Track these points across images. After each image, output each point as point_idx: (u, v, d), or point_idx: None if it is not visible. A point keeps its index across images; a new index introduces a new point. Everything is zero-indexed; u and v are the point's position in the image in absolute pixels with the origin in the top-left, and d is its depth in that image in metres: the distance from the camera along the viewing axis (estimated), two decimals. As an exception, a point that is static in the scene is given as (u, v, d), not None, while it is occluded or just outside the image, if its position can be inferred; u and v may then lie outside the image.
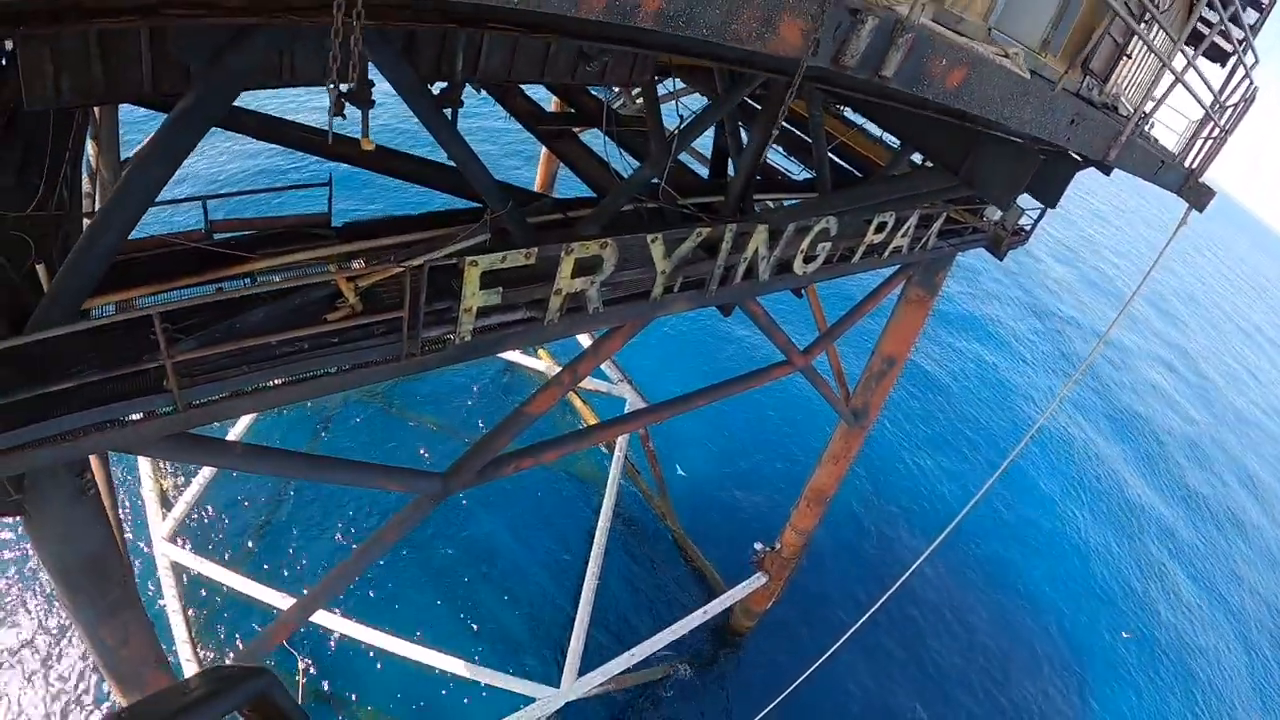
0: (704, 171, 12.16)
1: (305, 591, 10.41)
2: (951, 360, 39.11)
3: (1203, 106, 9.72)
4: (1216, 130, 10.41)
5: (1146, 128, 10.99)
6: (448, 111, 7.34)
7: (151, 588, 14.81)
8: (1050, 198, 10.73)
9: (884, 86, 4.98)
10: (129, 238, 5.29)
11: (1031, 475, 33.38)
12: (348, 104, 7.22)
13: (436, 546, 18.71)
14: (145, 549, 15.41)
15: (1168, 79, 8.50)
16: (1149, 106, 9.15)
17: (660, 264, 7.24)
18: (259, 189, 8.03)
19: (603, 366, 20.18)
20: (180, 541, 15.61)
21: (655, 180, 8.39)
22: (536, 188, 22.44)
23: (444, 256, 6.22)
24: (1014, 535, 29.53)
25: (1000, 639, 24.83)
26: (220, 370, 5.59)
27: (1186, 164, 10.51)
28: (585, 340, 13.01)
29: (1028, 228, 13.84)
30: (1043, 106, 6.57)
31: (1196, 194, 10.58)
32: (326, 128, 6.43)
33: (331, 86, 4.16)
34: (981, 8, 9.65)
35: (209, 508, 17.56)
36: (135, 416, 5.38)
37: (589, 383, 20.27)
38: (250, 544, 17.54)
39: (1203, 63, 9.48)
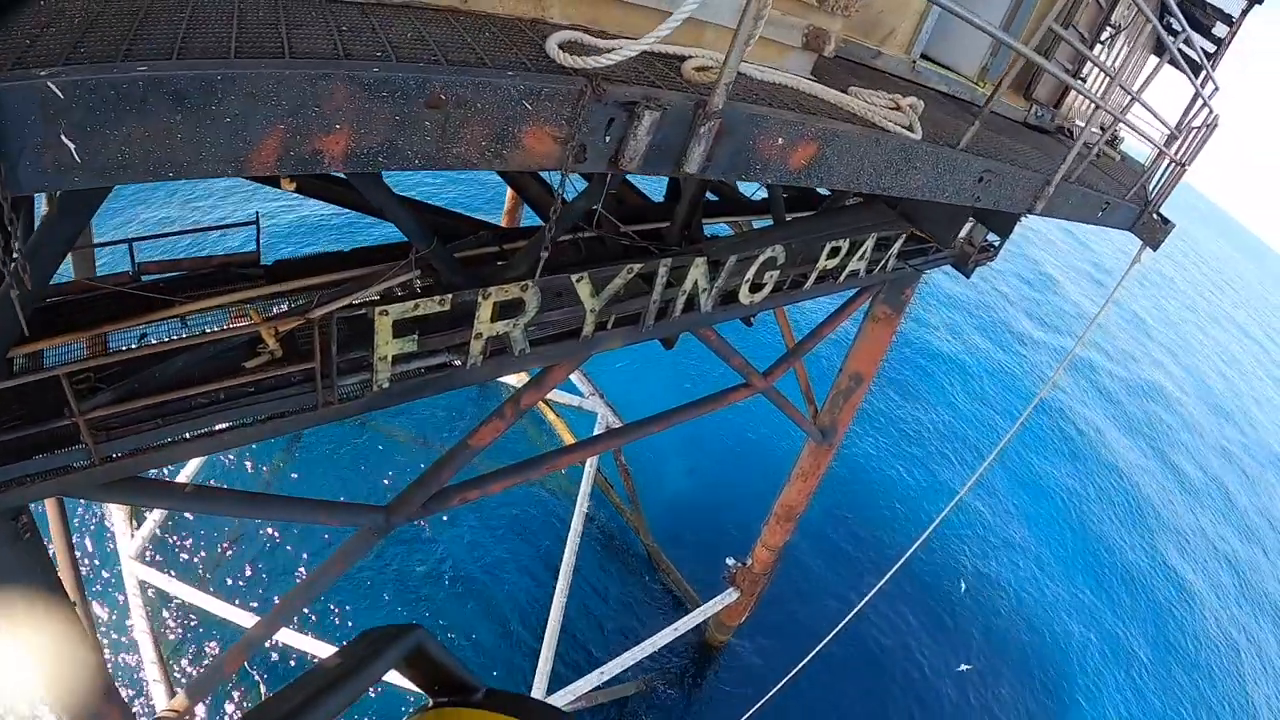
0: (662, 191, 12.00)
1: (266, 612, 10.35)
2: (922, 370, 39.06)
3: (1155, 146, 9.55)
4: (1172, 164, 10.21)
5: (1108, 146, 10.81)
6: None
7: (120, 610, 14.81)
8: (1002, 229, 10.58)
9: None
10: (53, 282, 5.22)
11: (1004, 487, 33.45)
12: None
13: (400, 562, 18.57)
14: (113, 567, 15.35)
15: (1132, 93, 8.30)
16: (1101, 126, 8.99)
17: (589, 303, 7.09)
18: (187, 229, 7.94)
19: (573, 379, 20.09)
20: (149, 560, 15.53)
21: (595, 207, 8.27)
22: (504, 213, 22.24)
23: (351, 305, 6.09)
24: (986, 545, 29.55)
25: (973, 645, 24.90)
26: (137, 424, 5.51)
27: (1140, 196, 10.31)
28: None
29: (996, 244, 13.70)
30: (938, 170, 6.11)
31: (1150, 230, 10.36)
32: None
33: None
34: (904, 39, 9.52)
35: (179, 526, 17.43)
36: (58, 467, 5.29)
37: (559, 395, 20.17)
38: (220, 560, 17.39)
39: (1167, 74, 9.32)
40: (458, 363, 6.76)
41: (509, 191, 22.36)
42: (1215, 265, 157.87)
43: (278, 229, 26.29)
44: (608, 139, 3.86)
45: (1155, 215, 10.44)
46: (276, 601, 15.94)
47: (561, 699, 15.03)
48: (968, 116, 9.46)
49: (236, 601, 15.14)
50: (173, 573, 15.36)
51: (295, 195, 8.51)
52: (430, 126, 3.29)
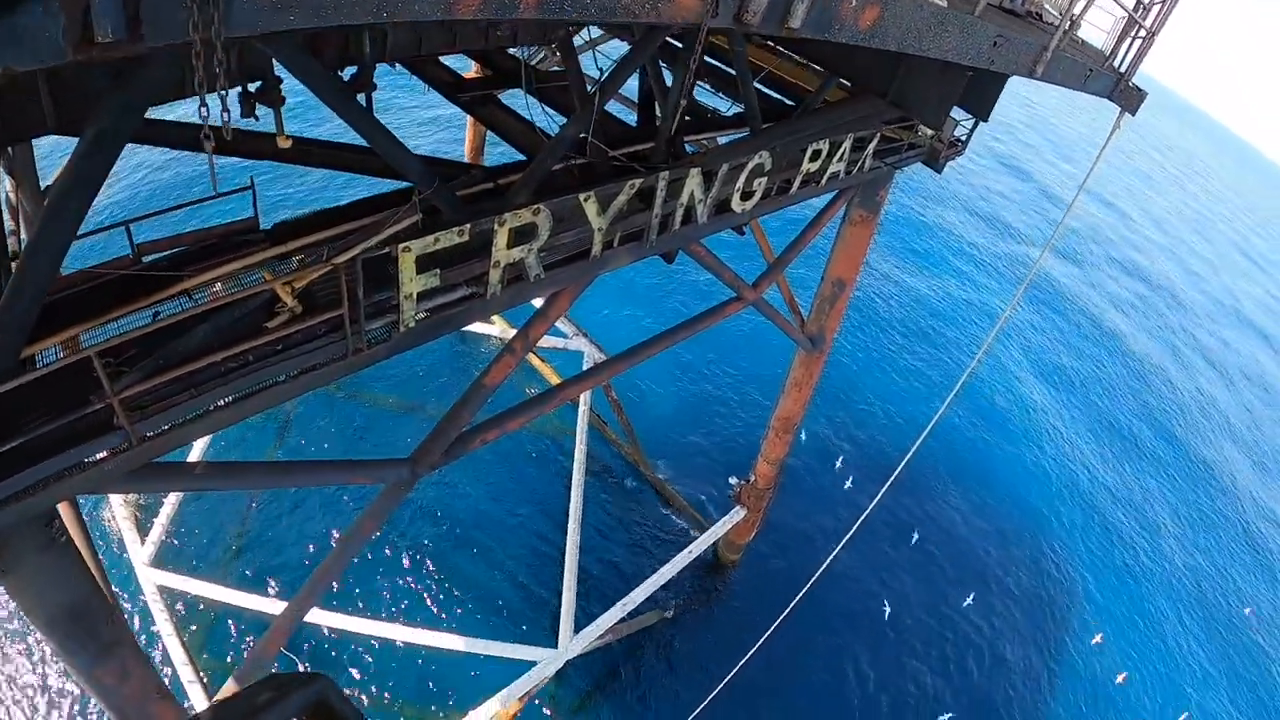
0: (634, 118, 12.00)
1: (294, 594, 10.41)
2: (903, 275, 39.41)
3: (1125, 10, 9.65)
4: (1143, 31, 10.33)
5: (1076, 32, 10.95)
6: (361, 97, 7.20)
7: (142, 615, 14.79)
8: (982, 110, 10.70)
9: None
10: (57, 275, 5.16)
11: (996, 378, 34.10)
12: (258, 104, 7.10)
13: (414, 526, 18.71)
14: (130, 578, 15.22)
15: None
16: (1079, 7, 9.08)
17: (596, 222, 7.17)
18: (181, 204, 7.81)
19: (557, 324, 20.09)
20: (163, 564, 15.43)
21: (583, 135, 8.28)
22: (466, 157, 22.07)
23: (375, 246, 6.10)
24: (984, 438, 30.20)
25: (978, 537, 25.59)
26: (169, 398, 5.51)
27: (1115, 68, 10.45)
28: (536, 301, 12.99)
29: (964, 138, 13.82)
30: (964, 33, 6.54)
31: (1128, 97, 10.56)
32: (240, 127, 6.31)
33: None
34: None
35: (185, 525, 17.32)
36: (94, 458, 5.30)
37: (545, 340, 20.16)
38: (232, 553, 17.40)
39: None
40: (478, 294, 6.82)
41: (468, 138, 22.32)
42: (1181, 149, 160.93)
43: (270, 197, 25.86)
44: None
45: (1130, 84, 10.62)
46: (300, 582, 16.09)
47: (589, 635, 15.28)
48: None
49: (259, 590, 15.19)
50: (189, 572, 15.38)
51: (283, 164, 8.45)
52: None
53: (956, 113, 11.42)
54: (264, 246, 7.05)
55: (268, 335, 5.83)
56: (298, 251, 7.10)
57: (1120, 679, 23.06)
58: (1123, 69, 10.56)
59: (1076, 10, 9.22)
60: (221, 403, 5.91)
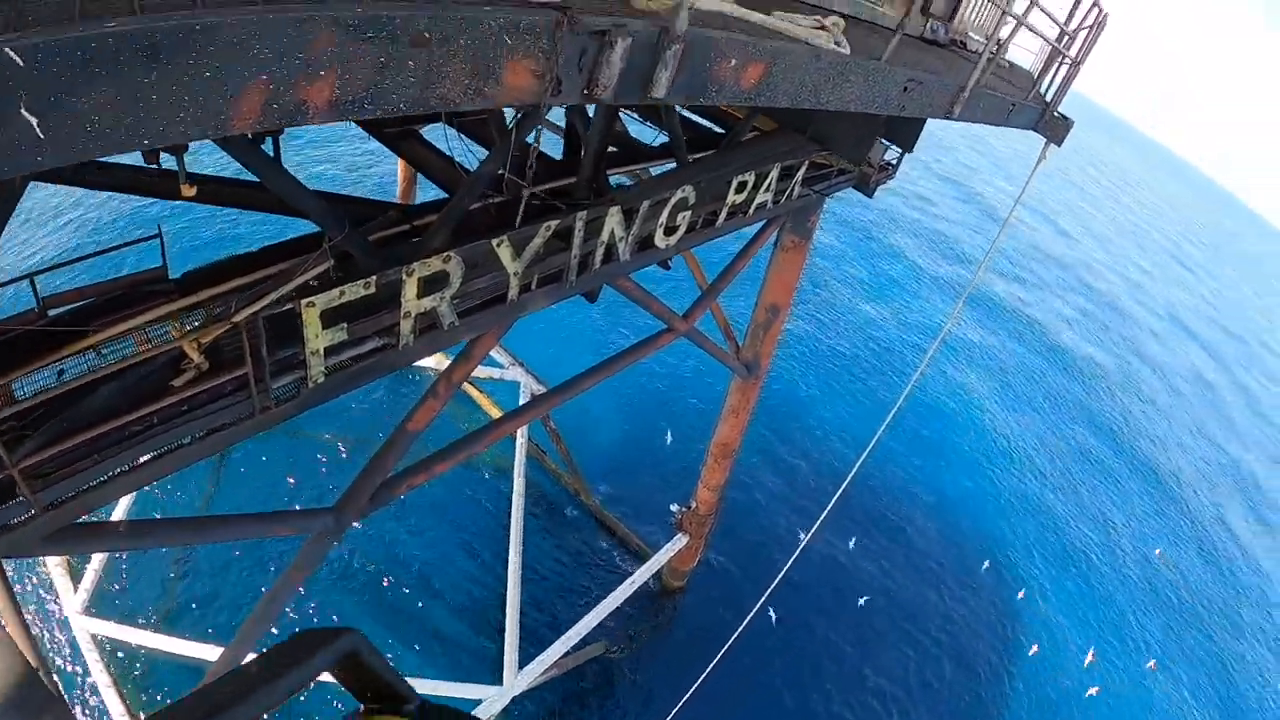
0: (560, 149, 11.88)
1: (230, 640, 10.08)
2: (841, 296, 39.75)
3: (1050, 43, 9.74)
4: (1068, 61, 10.45)
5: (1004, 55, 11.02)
6: (270, 142, 7.01)
7: (77, 665, 14.32)
8: (906, 142, 10.76)
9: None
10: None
11: (938, 392, 34.52)
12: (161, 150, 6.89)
13: (354, 566, 18.26)
14: (65, 625, 14.75)
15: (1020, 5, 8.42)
16: (1005, 30, 9.11)
17: (511, 266, 7.01)
18: (88, 254, 7.57)
19: (493, 354, 19.87)
20: (97, 612, 14.88)
21: (501, 171, 8.15)
22: (398, 193, 21.61)
23: (278, 301, 5.92)
24: (926, 452, 30.54)
25: (925, 552, 25.84)
26: (74, 463, 5.30)
27: (1041, 95, 10.54)
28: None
29: (894, 161, 13.90)
30: (869, 81, 6.35)
31: (1053, 128, 10.65)
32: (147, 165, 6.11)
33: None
34: None
35: (119, 570, 16.65)
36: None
37: (480, 370, 19.88)
38: (169, 598, 16.79)
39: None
40: (390, 345, 6.65)
41: (399, 171, 21.87)
42: (1113, 163, 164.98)
43: (182, 240, 25.21)
44: (581, 69, 3.91)
45: (1056, 113, 10.71)
46: (239, 627, 15.71)
47: (533, 671, 15.07)
48: (874, 36, 9.60)
49: (197, 636, 14.71)
50: (123, 620, 14.85)
51: (194, 203, 8.22)
52: (415, 67, 3.22)
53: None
54: (173, 298, 6.83)
55: (174, 395, 5.62)
56: (207, 303, 6.88)
57: (1089, 658, 23.63)
58: (1049, 97, 10.68)
59: (1003, 36, 9.30)
60: (127, 468, 5.70)
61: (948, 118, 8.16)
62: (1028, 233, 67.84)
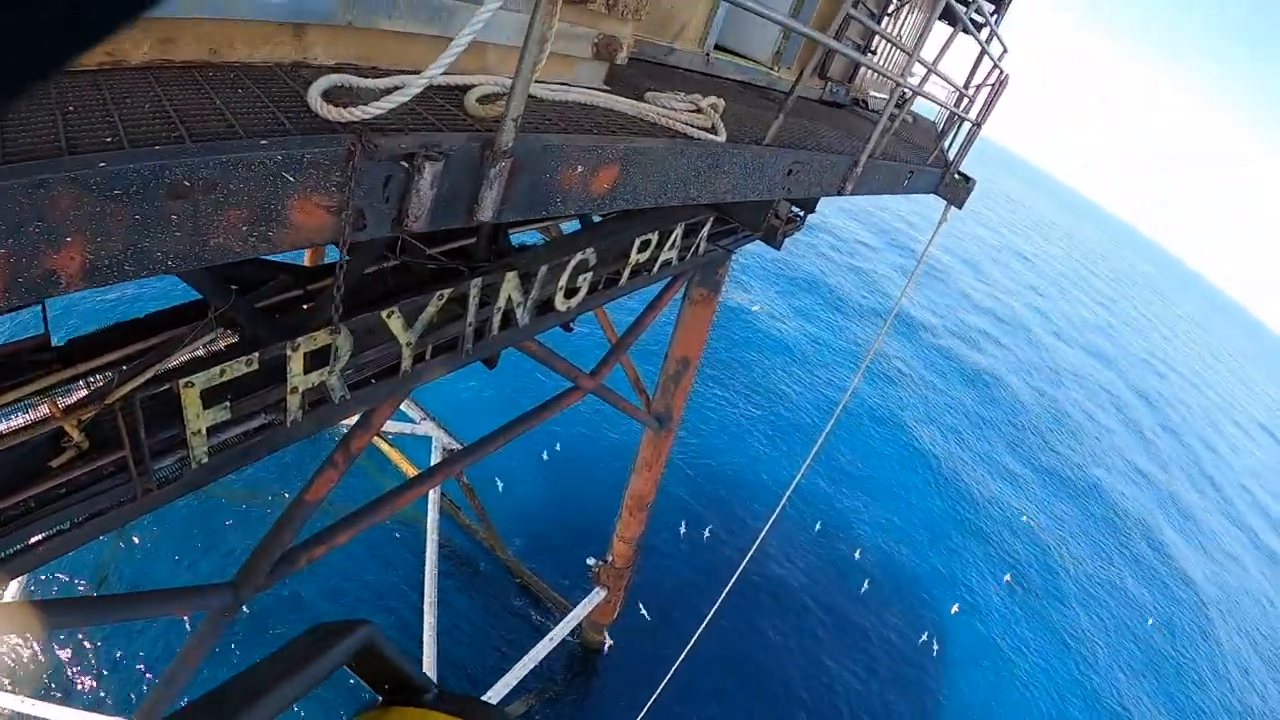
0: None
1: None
2: (752, 344, 40.15)
3: (950, 110, 9.94)
4: (967, 123, 10.68)
5: (897, 108, 11.22)
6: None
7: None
8: (807, 204, 10.88)
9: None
10: None
11: (854, 431, 35.02)
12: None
13: (263, 628, 17.70)
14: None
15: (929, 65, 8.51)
16: (915, 78, 9.23)
17: (403, 337, 6.85)
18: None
19: (403, 407, 19.52)
20: None
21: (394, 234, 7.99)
22: (306, 255, 21.13)
23: (153, 380, 5.70)
24: (846, 493, 31.02)
25: (849, 590, 26.14)
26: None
27: (944, 154, 10.72)
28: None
29: (800, 214, 14.05)
30: (747, 170, 6.04)
31: (954, 191, 10.81)
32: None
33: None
34: (696, 32, 9.65)
35: (13, 641, 15.97)
36: None
37: (391, 425, 19.48)
38: (69, 668, 15.93)
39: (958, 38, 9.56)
40: (278, 422, 6.45)
41: None
42: (1025, 204, 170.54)
43: (65, 303, 24.33)
44: (388, 199, 3.46)
45: (957, 175, 10.86)
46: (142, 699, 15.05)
47: (447, 734, 14.69)
48: (768, 104, 9.67)
49: (98, 709, 14.06)
50: (18, 690, 13.99)
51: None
52: (179, 220, 2.82)
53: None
54: (55, 369, 6.55)
55: (53, 477, 5.37)
56: (91, 373, 6.62)
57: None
58: (950, 155, 10.90)
59: (894, 112, 9.44)
60: (9, 553, 5.41)
61: (839, 194, 8.15)
62: (944, 271, 69.66)
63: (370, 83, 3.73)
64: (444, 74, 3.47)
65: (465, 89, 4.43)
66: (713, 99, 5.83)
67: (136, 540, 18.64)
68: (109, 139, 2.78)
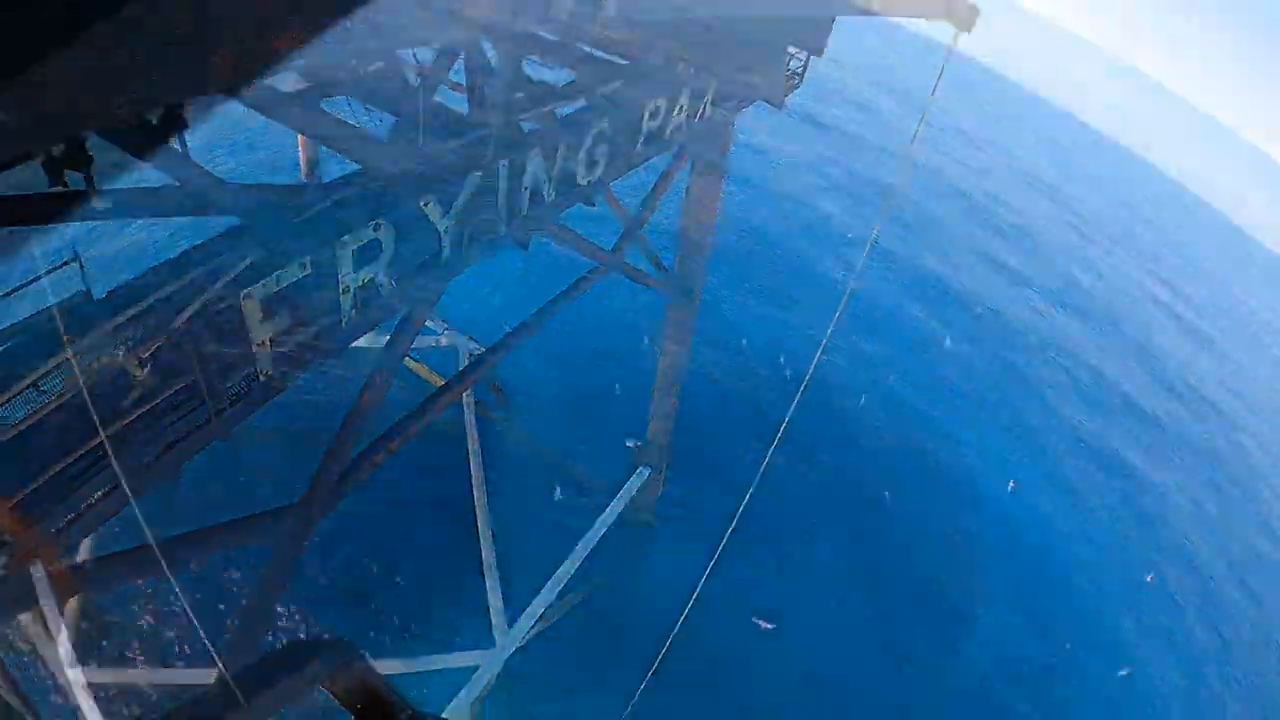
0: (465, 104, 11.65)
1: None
2: (771, 218, 39.84)
3: None
4: None
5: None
6: (178, 140, 6.79)
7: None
8: (816, 44, 10.73)
9: None
10: None
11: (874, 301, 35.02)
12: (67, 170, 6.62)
13: (328, 557, 18.12)
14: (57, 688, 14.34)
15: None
16: None
17: (441, 224, 6.94)
18: (5, 292, 7.28)
19: (427, 323, 19.49)
20: (85, 660, 14.44)
21: (413, 135, 7.98)
22: (302, 173, 20.74)
23: (214, 299, 5.76)
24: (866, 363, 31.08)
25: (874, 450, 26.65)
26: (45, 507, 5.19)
27: None
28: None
29: (799, 71, 13.84)
30: None
31: (962, 16, 10.61)
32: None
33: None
34: None
35: (95, 614, 16.21)
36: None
37: (417, 341, 19.40)
38: (153, 631, 15.97)
39: None
40: (334, 324, 6.55)
41: (300, 152, 20.94)
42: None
43: (98, 261, 24.00)
44: None
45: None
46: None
47: (523, 627, 15.15)
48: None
49: (186, 662, 14.46)
50: (114, 663, 14.67)
51: (107, 222, 7.93)
52: None
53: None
54: (101, 321, 6.63)
55: (126, 418, 5.48)
56: (138, 316, 6.70)
57: None
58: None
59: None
60: (92, 500, 5.55)
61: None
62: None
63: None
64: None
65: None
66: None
67: (184, 502, 18.64)
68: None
